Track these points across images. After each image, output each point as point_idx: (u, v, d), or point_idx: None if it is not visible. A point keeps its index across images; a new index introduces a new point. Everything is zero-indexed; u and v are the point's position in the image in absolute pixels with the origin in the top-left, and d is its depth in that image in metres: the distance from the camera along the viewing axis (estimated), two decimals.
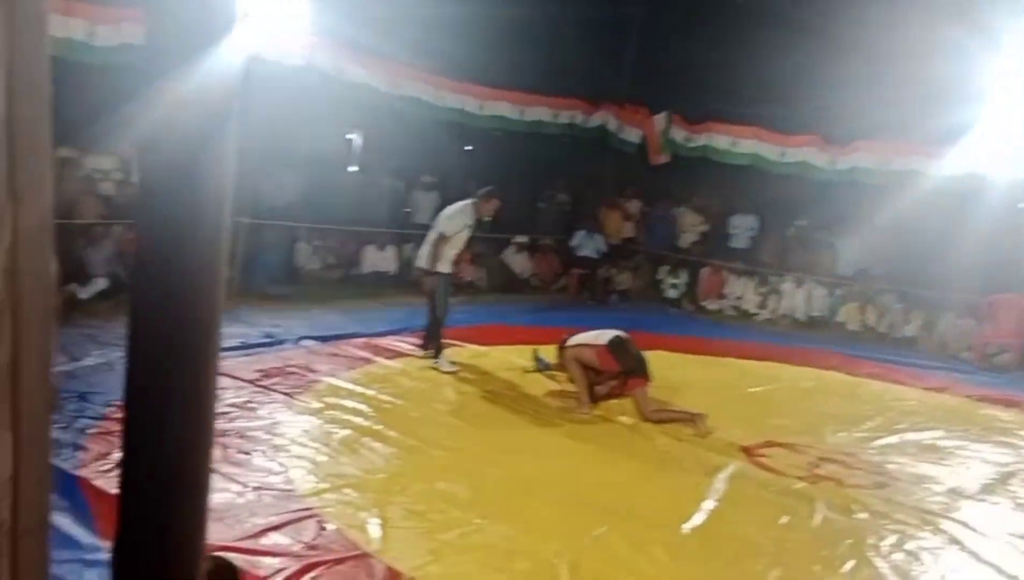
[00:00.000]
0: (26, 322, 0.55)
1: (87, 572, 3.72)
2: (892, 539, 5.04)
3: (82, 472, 4.76)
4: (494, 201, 8.40)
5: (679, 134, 13.83)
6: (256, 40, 9.11)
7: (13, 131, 0.57)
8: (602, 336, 7.29)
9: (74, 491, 4.51)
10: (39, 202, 0.57)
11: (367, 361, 8.01)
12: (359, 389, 6.97)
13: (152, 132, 0.64)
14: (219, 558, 2.45)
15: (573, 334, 7.50)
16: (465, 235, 8.30)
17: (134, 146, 9.89)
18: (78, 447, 5.11)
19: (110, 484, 4.63)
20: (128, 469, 0.65)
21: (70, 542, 3.94)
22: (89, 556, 3.82)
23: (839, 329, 12.61)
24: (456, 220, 8.22)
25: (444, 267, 8.20)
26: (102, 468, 4.80)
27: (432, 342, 8.31)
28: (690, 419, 6.89)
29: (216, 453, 5.21)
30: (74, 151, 9.60)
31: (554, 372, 7.94)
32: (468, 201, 8.33)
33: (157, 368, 0.65)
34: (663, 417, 6.99)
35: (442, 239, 8.15)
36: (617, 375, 7.17)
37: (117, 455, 4.99)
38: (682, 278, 13.98)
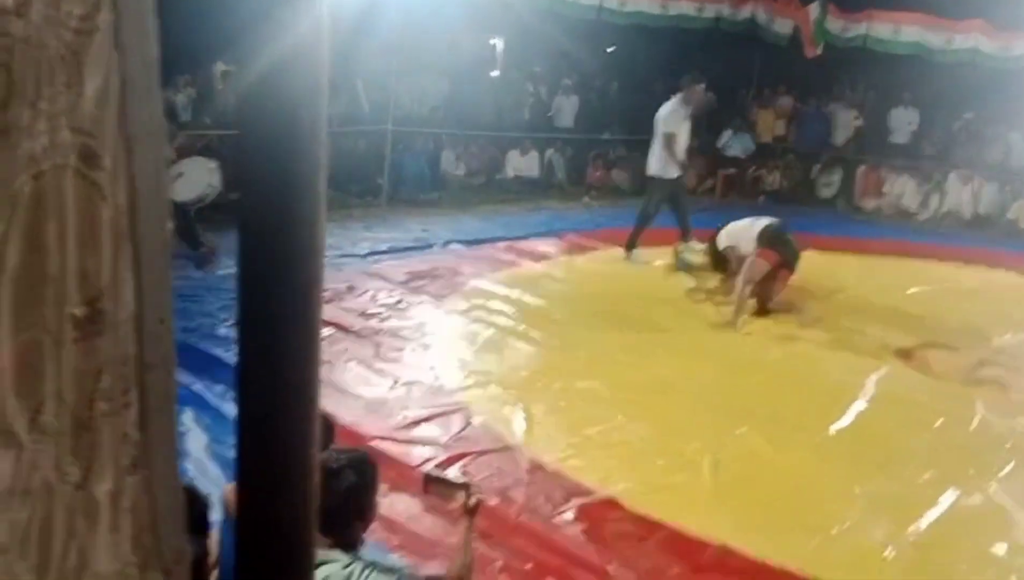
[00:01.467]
0: (142, 172, 0.59)
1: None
2: None
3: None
4: (698, 87, 8.43)
5: (835, 24, 13.01)
6: None
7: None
8: (754, 227, 7.03)
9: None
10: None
11: (512, 264, 8.12)
12: (504, 291, 7.09)
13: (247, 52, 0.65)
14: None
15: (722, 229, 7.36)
16: (688, 127, 8.45)
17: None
18: None
19: None
20: (243, 364, 0.69)
21: None
22: None
23: (1010, 227, 11.78)
24: (674, 116, 8.32)
25: (673, 172, 8.36)
26: None
27: (685, 236, 8.47)
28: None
29: (370, 350, 5.51)
30: (232, 64, 9.98)
31: (697, 272, 7.77)
32: (676, 97, 8.41)
33: (265, 271, 0.68)
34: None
35: (670, 139, 8.25)
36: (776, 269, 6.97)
37: None
38: (836, 176, 13.35)
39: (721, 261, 7.25)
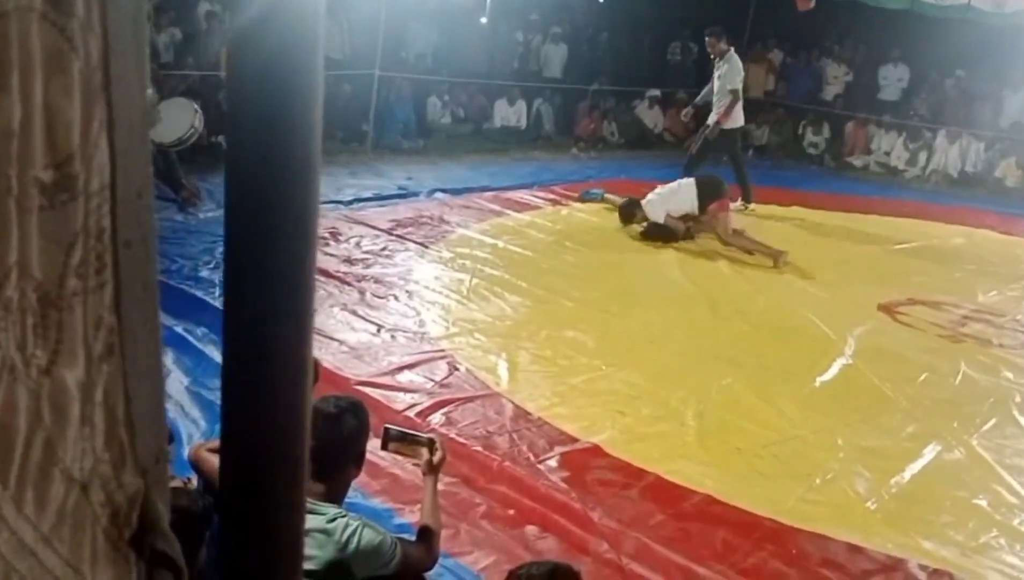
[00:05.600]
0: (116, 24, 0.53)
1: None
2: None
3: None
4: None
5: None
6: None
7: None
8: (682, 188, 7.37)
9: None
10: None
11: (498, 213, 8.04)
12: (490, 240, 7.04)
13: None
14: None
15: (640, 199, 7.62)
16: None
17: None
18: None
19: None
20: (229, 300, 0.64)
21: None
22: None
23: (996, 186, 11.78)
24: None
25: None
26: None
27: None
28: (772, 254, 6.99)
29: (354, 296, 5.45)
30: (217, 4, 9.75)
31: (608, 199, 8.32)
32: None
33: (255, 221, 0.62)
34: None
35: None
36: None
37: None
38: (824, 132, 13.28)
39: (666, 231, 7.41)
